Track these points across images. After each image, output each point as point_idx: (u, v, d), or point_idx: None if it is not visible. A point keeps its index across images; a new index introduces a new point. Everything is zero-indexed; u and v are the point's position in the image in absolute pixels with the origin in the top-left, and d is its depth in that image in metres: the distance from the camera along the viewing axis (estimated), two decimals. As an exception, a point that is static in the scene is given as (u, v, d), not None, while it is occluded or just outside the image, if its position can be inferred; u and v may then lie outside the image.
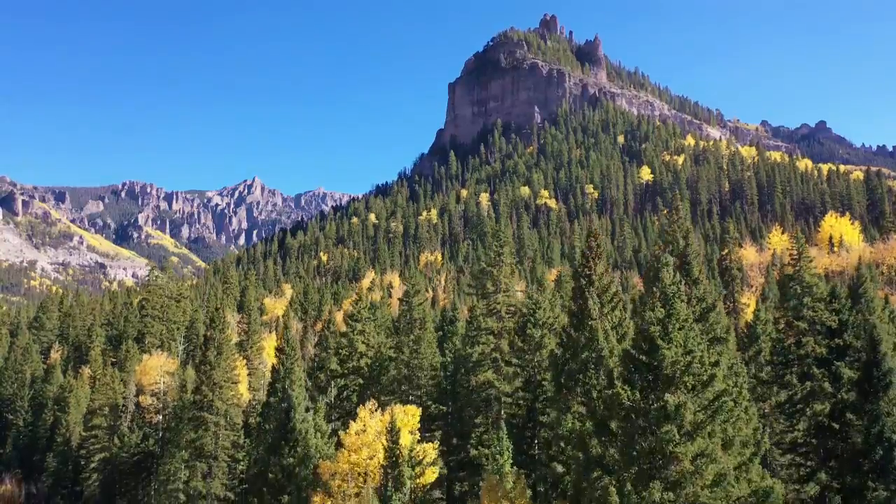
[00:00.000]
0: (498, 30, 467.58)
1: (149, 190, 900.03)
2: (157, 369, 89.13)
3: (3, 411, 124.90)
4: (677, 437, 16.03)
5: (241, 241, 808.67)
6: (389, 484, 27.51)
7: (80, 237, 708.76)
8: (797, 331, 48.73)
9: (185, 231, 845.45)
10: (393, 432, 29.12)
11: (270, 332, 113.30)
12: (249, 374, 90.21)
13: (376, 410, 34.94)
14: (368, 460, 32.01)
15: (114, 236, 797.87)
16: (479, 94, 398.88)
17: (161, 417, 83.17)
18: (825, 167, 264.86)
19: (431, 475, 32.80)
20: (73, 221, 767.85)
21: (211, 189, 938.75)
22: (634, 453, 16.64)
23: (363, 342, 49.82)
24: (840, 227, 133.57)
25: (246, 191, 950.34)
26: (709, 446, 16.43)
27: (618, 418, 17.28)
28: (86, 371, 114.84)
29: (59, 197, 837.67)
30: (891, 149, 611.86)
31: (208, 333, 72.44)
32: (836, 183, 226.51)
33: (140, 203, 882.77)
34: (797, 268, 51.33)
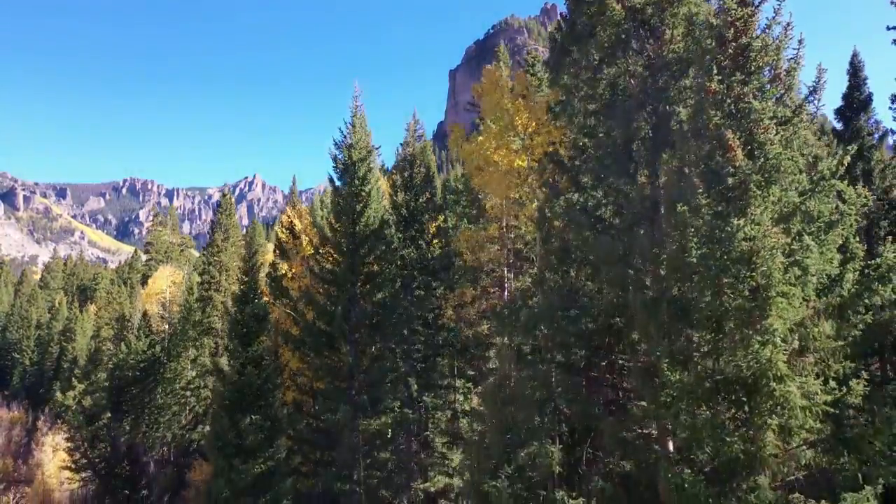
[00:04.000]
0: (498, 18, 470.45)
1: (150, 186, 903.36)
2: (165, 279, 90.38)
3: (11, 351, 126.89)
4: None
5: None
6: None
7: (82, 232, 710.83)
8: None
9: (185, 227, 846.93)
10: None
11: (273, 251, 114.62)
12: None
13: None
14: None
15: (115, 232, 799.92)
16: (480, 81, 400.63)
17: (167, 326, 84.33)
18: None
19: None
20: (74, 217, 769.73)
21: (212, 186, 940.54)
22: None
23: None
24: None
25: (247, 188, 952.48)
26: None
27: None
28: (91, 308, 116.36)
29: (61, 193, 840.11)
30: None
31: (216, 218, 73.75)
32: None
33: (141, 199, 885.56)
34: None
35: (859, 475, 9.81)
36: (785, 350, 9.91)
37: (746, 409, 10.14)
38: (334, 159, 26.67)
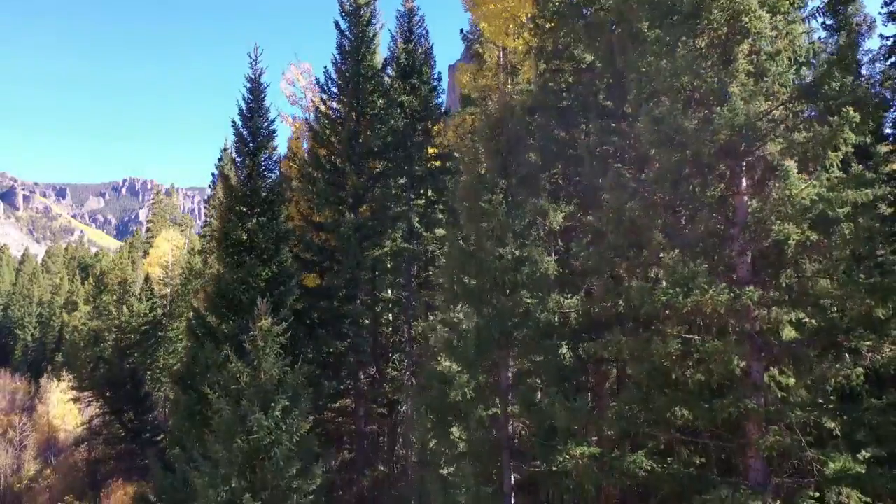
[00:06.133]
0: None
1: (149, 186, 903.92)
2: (166, 243, 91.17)
3: (13, 328, 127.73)
4: None
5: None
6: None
7: (82, 232, 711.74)
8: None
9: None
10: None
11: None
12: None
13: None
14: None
15: (115, 232, 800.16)
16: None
17: (169, 290, 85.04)
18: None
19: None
20: (74, 217, 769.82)
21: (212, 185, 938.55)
22: None
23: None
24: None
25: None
26: None
27: None
28: (92, 280, 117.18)
29: (60, 193, 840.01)
30: None
31: (217, 172, 74.61)
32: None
33: (141, 199, 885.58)
34: None
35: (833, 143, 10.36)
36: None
37: (723, 63, 10.83)
38: (340, 3, 27.67)
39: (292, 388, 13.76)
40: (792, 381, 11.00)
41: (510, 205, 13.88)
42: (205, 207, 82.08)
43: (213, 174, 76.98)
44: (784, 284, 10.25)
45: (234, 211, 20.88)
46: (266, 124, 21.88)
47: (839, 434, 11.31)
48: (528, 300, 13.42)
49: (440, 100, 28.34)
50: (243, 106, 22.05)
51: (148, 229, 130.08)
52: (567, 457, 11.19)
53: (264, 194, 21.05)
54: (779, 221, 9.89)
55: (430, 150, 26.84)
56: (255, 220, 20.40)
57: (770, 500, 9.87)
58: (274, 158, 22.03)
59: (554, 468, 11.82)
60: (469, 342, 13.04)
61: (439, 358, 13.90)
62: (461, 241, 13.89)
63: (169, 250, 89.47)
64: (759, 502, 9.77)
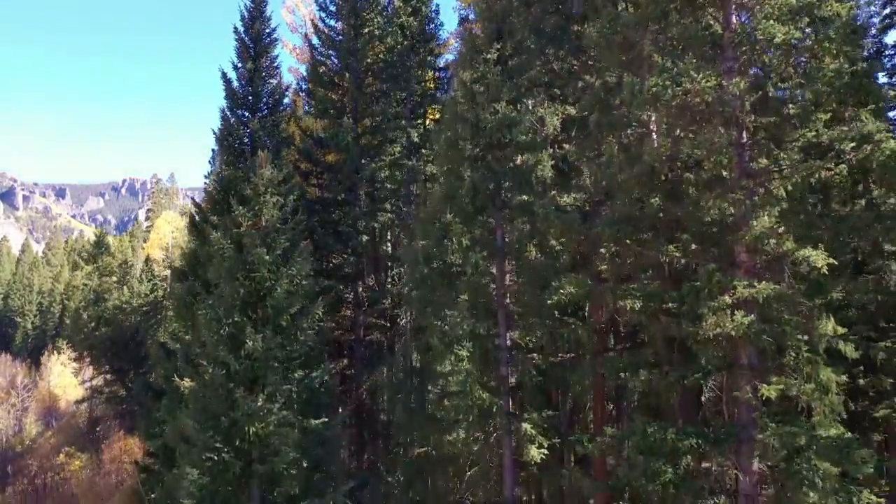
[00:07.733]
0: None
1: (149, 186, 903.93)
2: (167, 225, 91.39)
3: (13, 317, 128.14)
4: None
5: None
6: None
7: (81, 231, 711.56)
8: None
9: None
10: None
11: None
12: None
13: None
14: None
15: (114, 232, 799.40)
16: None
17: (169, 272, 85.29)
18: None
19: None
20: (73, 217, 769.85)
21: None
22: None
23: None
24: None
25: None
26: None
27: None
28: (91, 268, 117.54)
29: (60, 193, 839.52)
30: None
31: (215, 148, 75.04)
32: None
33: (140, 199, 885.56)
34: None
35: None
36: None
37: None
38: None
39: (292, 232, 14.10)
40: (782, 230, 11.26)
41: (504, 66, 14.21)
42: (205, 184, 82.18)
43: (212, 149, 77.06)
44: (771, 93, 10.57)
45: (234, 114, 21.25)
46: (268, 31, 22.26)
47: (826, 272, 11.55)
48: (521, 157, 13.76)
49: (439, 32, 28.79)
50: (245, 13, 22.41)
51: (148, 218, 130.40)
52: (561, 292, 11.48)
53: (265, 99, 21.46)
54: (765, 21, 10.17)
55: (430, 75, 27.26)
56: (256, 122, 20.77)
57: (757, 282, 10.16)
58: (275, 65, 22.42)
59: (549, 300, 12.12)
60: (464, 196, 13.36)
61: (438, 216, 14.23)
62: (457, 102, 14.20)
63: (169, 232, 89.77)
64: (745, 282, 10.07)
